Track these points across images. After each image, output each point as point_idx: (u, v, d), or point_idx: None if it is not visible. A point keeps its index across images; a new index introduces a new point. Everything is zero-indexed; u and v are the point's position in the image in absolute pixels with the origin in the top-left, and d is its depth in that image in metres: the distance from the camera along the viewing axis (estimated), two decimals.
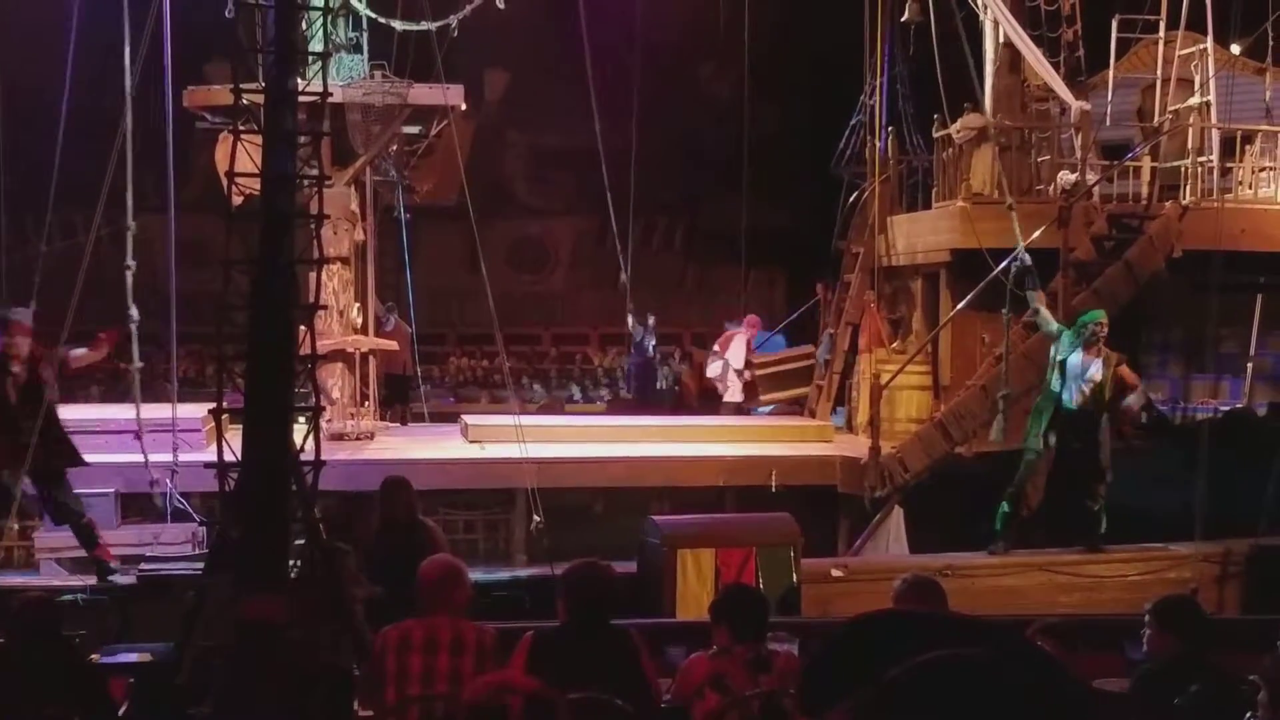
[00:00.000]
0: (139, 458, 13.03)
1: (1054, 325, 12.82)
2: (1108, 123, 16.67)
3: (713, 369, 18.55)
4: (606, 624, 6.23)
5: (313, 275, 8.07)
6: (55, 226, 14.00)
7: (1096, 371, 12.41)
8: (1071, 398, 12.47)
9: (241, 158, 7.63)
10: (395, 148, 15.74)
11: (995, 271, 13.47)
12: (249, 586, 7.07)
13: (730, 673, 6.03)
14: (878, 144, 17.00)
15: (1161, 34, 16.26)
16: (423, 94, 14.85)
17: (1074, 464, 12.60)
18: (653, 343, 21.20)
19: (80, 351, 12.11)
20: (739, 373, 18.03)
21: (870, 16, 16.88)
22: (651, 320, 20.60)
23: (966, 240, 14.47)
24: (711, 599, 9.40)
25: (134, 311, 12.93)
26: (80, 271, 13.42)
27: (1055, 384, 12.50)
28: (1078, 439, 12.53)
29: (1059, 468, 12.66)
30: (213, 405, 7.84)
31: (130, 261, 12.85)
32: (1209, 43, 15.76)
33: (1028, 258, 13.33)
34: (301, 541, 7.83)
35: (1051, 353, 12.71)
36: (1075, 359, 12.45)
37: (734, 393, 18.07)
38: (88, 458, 12.98)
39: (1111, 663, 7.74)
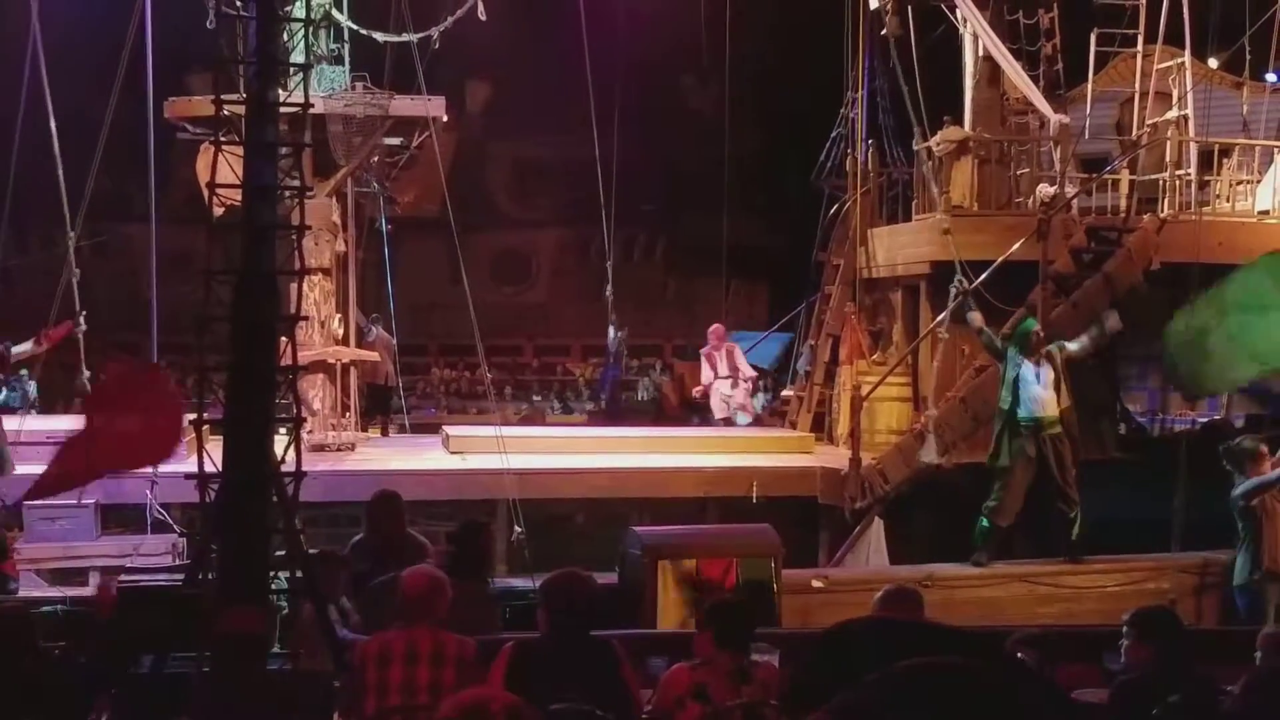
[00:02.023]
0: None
1: (996, 344, 12.96)
2: (1086, 136, 16.75)
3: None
4: (587, 634, 6.24)
5: (294, 286, 8.07)
6: (35, 238, 13.99)
7: (1048, 371, 12.54)
8: (1033, 407, 12.57)
9: (223, 168, 7.63)
10: (377, 159, 15.76)
11: (953, 294, 13.57)
12: (229, 598, 7.06)
13: (712, 683, 6.03)
14: (858, 157, 17.06)
15: (1140, 48, 16.37)
16: (404, 105, 14.88)
17: (1046, 473, 12.69)
18: (623, 352, 21.22)
19: (23, 347, 12.57)
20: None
21: (851, 30, 16.96)
22: (624, 331, 20.57)
23: (946, 252, 14.53)
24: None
25: (82, 319, 13.23)
26: (60, 283, 13.48)
27: (1007, 400, 12.61)
28: (1049, 444, 12.63)
29: (1036, 479, 12.73)
30: (193, 416, 7.83)
31: (75, 270, 13.09)
32: (1187, 57, 15.87)
33: (964, 280, 13.45)
34: (282, 553, 7.82)
35: (1001, 371, 12.82)
36: (1027, 371, 12.60)
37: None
38: None
39: (1091, 673, 7.77)
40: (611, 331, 19.32)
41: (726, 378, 18.17)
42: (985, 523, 12.74)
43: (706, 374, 18.35)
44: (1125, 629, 6.65)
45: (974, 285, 13.53)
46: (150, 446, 8.41)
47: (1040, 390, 12.56)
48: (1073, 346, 12.88)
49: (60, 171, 13.28)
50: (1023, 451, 12.66)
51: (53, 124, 13.31)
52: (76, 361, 13.85)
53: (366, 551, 9.41)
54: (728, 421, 17.91)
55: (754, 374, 18.62)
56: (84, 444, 8.24)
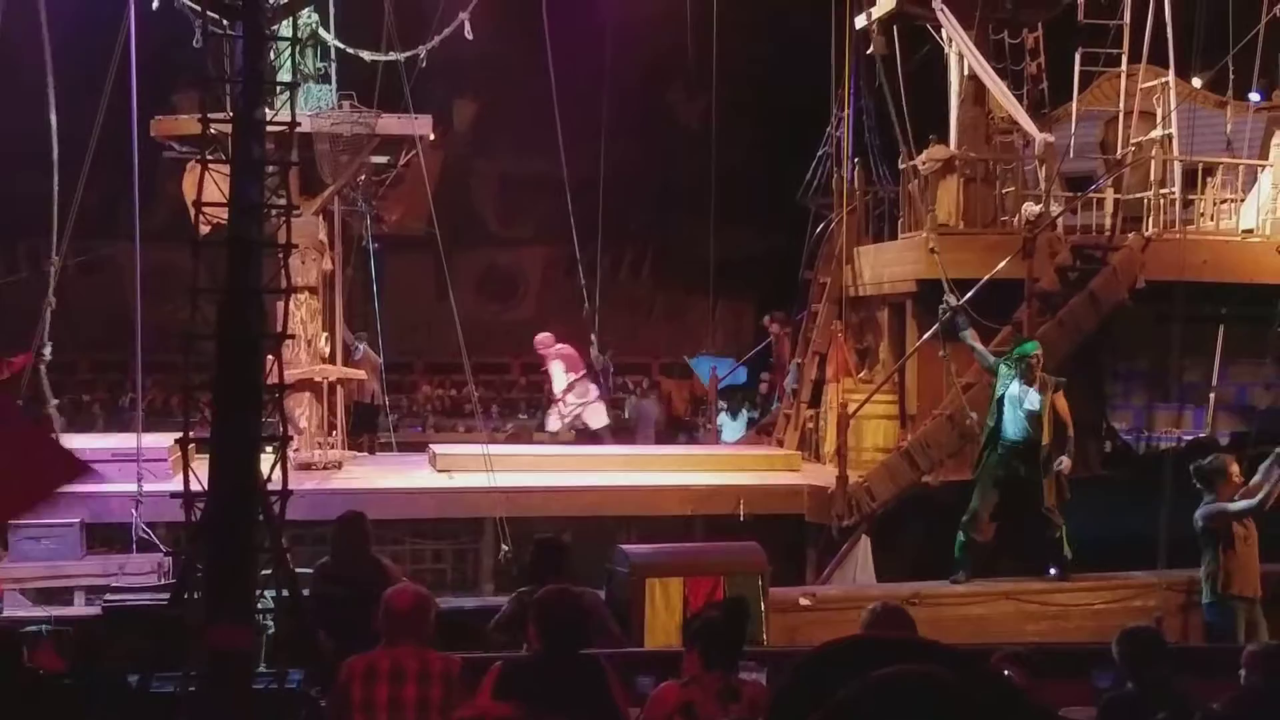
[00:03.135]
0: (103, 488, 12.99)
1: (990, 359, 13.01)
2: (1071, 155, 16.81)
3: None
4: (576, 652, 6.23)
5: (280, 304, 8.06)
6: (23, 256, 13.98)
7: (1034, 400, 12.55)
8: (1014, 429, 12.63)
9: (209, 187, 7.63)
10: (363, 177, 15.76)
11: (941, 314, 13.62)
12: (216, 616, 7.03)
13: (700, 701, 6.03)
14: (844, 175, 17.10)
15: (1124, 67, 16.45)
16: (391, 124, 14.90)
17: (1022, 493, 12.73)
18: (609, 370, 21.17)
19: None
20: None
21: (837, 49, 17.02)
22: (608, 353, 20.51)
23: (932, 270, 14.57)
24: (681, 626, 9.40)
25: (47, 350, 13.03)
26: (46, 301, 13.46)
27: (993, 417, 12.70)
28: (1023, 468, 12.68)
29: (1010, 498, 12.78)
30: (179, 435, 7.81)
31: (50, 298, 12.95)
32: (1171, 76, 15.94)
33: (953, 298, 13.52)
34: (268, 571, 7.80)
35: (991, 387, 12.88)
36: (1014, 390, 12.64)
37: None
38: None
39: (1078, 690, 7.78)
40: (594, 350, 19.31)
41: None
42: (963, 538, 12.79)
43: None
44: (1115, 647, 6.67)
45: (961, 303, 13.58)
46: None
47: (1021, 414, 12.61)
48: (1063, 459, 12.77)
49: (58, 190, 13.25)
50: (995, 469, 12.74)
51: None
52: (38, 392, 13.79)
53: (329, 573, 9.33)
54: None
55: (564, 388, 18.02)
56: None
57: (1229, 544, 11.34)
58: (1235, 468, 11.53)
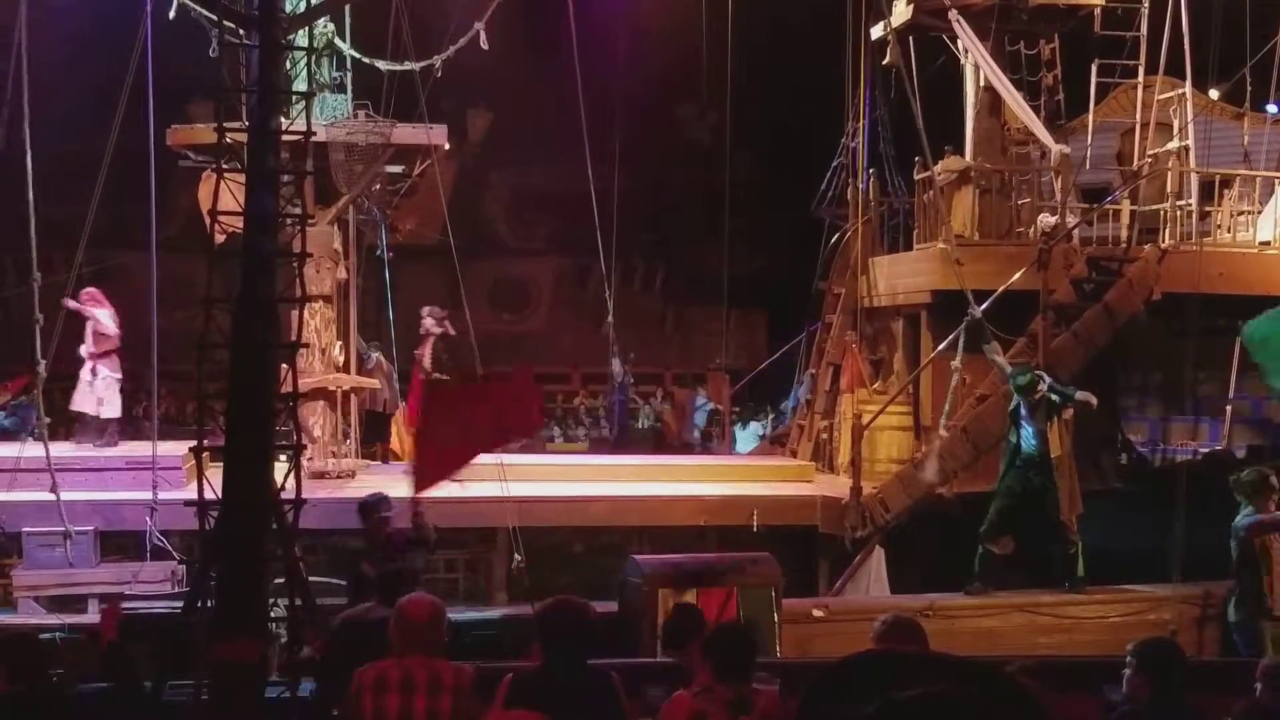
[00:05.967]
0: (118, 495, 13.02)
1: (1009, 370, 13.01)
2: (1087, 166, 16.79)
3: None
4: (585, 663, 6.20)
5: (294, 313, 8.07)
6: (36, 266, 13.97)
7: (1042, 414, 12.56)
8: (1028, 443, 12.62)
9: (225, 196, 7.64)
10: (378, 187, 15.79)
11: (965, 323, 13.59)
12: (226, 626, 7.03)
13: (711, 712, 6.00)
14: (859, 186, 17.09)
15: (1140, 79, 16.42)
16: (406, 134, 14.91)
17: (1038, 506, 12.71)
18: (629, 381, 21.13)
19: None
20: None
21: (852, 60, 17.02)
22: (627, 364, 20.48)
23: (947, 281, 14.54)
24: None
25: (41, 366, 12.77)
26: (59, 312, 13.47)
27: (1013, 434, 12.71)
28: (1037, 480, 12.66)
29: (1026, 511, 12.75)
30: (193, 443, 7.82)
31: (38, 315, 12.72)
32: (1187, 88, 15.92)
33: (977, 311, 13.50)
34: (281, 580, 7.80)
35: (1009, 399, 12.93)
36: (1025, 407, 12.65)
37: None
38: (68, 495, 12.98)
39: (1091, 705, 7.73)
40: (616, 363, 19.30)
41: None
42: (982, 549, 12.77)
43: None
44: (1129, 659, 6.62)
45: (979, 313, 13.57)
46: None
47: (1033, 429, 12.61)
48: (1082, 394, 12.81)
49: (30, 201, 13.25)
50: (1013, 483, 12.73)
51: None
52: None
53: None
54: None
55: None
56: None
57: (1266, 561, 11.25)
58: (1275, 480, 11.44)
